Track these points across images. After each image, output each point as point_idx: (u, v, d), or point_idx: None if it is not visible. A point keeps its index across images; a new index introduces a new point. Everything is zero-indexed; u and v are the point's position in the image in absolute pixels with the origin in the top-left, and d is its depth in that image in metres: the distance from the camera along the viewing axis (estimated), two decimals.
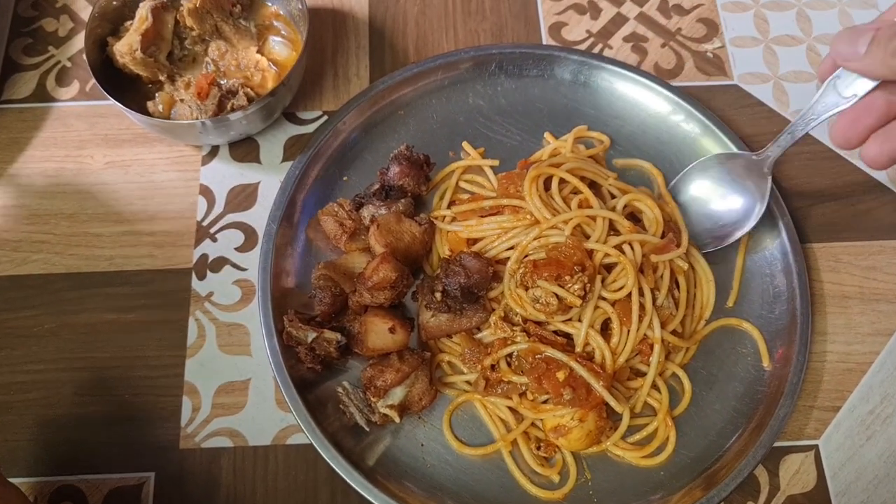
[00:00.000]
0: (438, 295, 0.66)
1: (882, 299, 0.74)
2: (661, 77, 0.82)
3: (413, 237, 0.70)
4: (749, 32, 0.87)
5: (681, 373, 0.69)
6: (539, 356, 0.65)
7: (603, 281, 0.67)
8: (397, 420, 0.65)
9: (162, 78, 0.77)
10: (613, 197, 0.73)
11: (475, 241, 0.72)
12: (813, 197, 0.77)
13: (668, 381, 0.69)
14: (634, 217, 0.73)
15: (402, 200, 0.72)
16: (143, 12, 0.75)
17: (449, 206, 0.76)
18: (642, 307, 0.67)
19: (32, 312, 0.71)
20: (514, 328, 0.67)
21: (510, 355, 0.67)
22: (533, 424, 0.67)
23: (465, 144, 0.79)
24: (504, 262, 0.69)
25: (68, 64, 0.83)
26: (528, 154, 0.78)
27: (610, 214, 0.69)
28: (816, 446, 0.68)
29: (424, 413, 0.68)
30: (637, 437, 0.67)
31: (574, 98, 0.81)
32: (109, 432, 0.67)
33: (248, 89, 0.75)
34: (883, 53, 0.54)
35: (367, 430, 0.66)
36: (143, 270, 0.73)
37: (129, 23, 0.76)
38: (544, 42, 0.85)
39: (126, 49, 0.74)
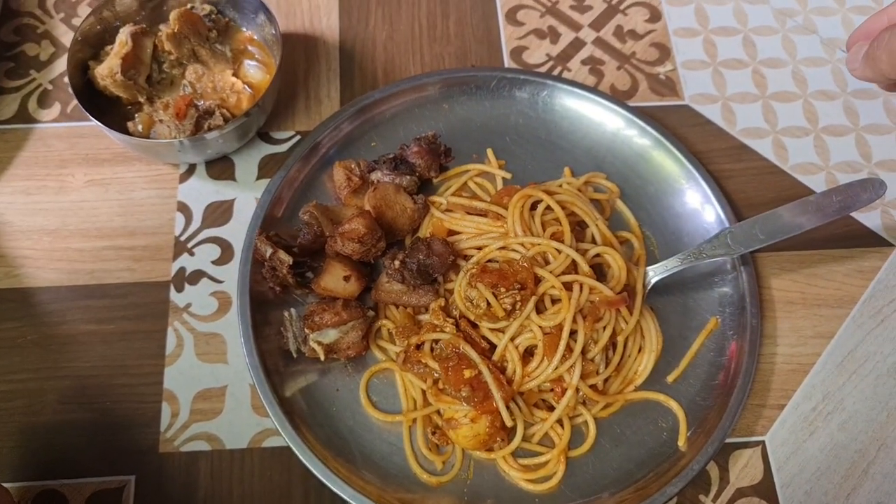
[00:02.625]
0: (397, 263, 0.71)
1: (823, 304, 0.79)
2: (617, 97, 0.87)
3: (403, 210, 0.76)
4: (699, 56, 0.92)
5: (591, 421, 0.71)
6: (457, 350, 0.69)
7: (541, 310, 0.71)
8: (321, 357, 0.70)
9: (141, 99, 0.80)
10: (595, 243, 0.75)
11: (454, 232, 0.77)
12: (760, 208, 0.82)
13: (579, 425, 0.72)
14: (602, 269, 0.75)
15: (408, 177, 0.77)
16: (123, 37, 0.79)
17: None
18: (570, 349, 0.69)
19: (15, 324, 0.74)
20: (448, 319, 0.71)
21: (436, 342, 0.70)
22: (438, 413, 0.71)
23: (489, 152, 0.84)
24: (469, 258, 0.74)
25: (49, 87, 0.86)
26: (542, 180, 0.81)
27: (574, 255, 0.72)
28: (763, 442, 0.73)
29: (351, 364, 0.73)
30: (529, 461, 0.70)
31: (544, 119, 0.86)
32: (91, 438, 0.70)
33: (224, 110, 0.79)
34: (871, 62, 0.61)
35: (295, 356, 0.72)
36: (123, 283, 0.76)
37: (109, 47, 0.80)
38: (506, 65, 0.90)
39: (107, 72, 0.78)
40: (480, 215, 0.77)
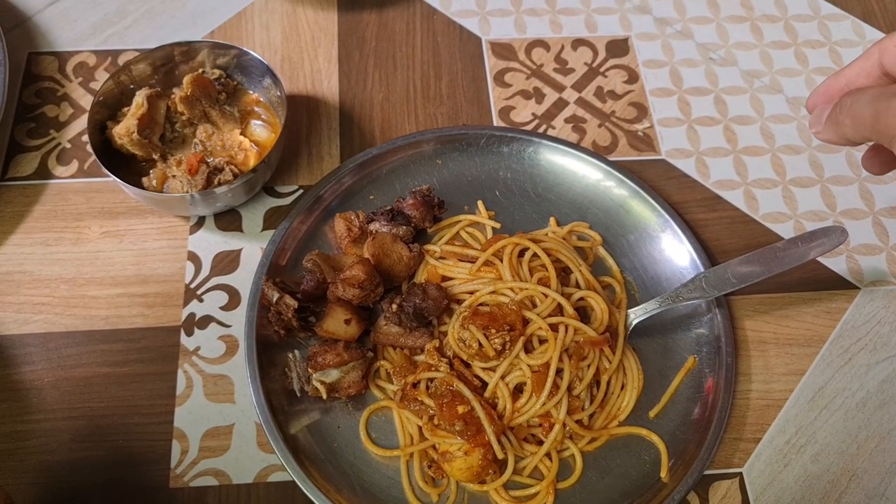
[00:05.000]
0: (395, 307, 0.76)
1: (794, 343, 0.84)
2: (598, 153, 0.94)
3: (399, 258, 0.81)
4: (674, 114, 0.99)
5: (577, 454, 0.75)
6: (451, 387, 0.73)
7: (529, 349, 0.75)
8: (324, 396, 0.74)
9: (155, 157, 0.86)
10: (579, 287, 0.80)
11: (447, 278, 0.82)
12: (733, 254, 0.87)
13: (567, 458, 0.75)
14: (586, 312, 0.80)
15: (405, 227, 0.82)
16: (139, 99, 0.84)
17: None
18: (557, 386, 0.74)
19: (33, 368, 0.78)
20: (443, 359, 0.75)
21: (431, 381, 0.75)
22: (434, 448, 0.74)
23: (479, 203, 0.89)
24: (462, 301, 0.79)
25: (68, 145, 0.92)
26: (529, 229, 0.86)
27: (559, 298, 0.76)
28: (741, 473, 0.77)
29: (351, 403, 0.77)
30: (519, 493, 0.73)
31: (531, 174, 0.92)
32: (104, 474, 0.73)
33: (233, 166, 0.85)
34: (833, 126, 0.64)
35: (299, 395, 0.76)
36: (136, 328, 0.81)
37: (126, 109, 0.86)
38: (495, 123, 0.97)
39: (124, 131, 0.83)
40: (472, 262, 0.82)
